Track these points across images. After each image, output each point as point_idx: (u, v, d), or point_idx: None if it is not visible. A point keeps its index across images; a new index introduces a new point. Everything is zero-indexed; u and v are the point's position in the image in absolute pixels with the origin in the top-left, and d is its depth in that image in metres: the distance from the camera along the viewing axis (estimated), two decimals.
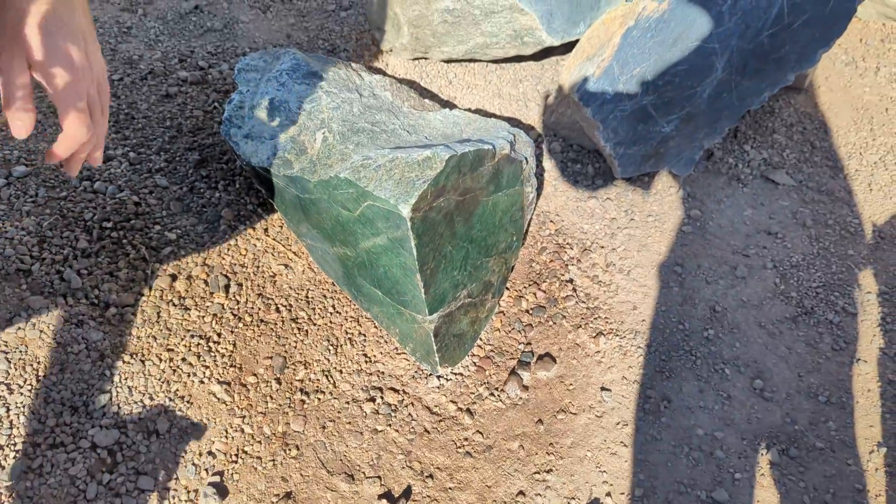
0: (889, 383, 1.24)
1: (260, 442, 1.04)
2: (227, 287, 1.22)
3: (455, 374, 1.19)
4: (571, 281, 1.35)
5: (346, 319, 1.21)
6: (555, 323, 1.28)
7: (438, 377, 1.17)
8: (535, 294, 1.31)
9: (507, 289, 1.31)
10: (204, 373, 1.09)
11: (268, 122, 1.15)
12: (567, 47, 1.65)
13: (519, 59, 1.65)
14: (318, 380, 1.12)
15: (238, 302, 1.20)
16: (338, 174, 0.99)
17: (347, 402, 1.10)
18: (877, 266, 1.46)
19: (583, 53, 1.43)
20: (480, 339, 1.23)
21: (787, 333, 1.35)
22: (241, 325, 1.17)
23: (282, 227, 1.32)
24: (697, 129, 1.47)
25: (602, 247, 1.42)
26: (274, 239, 1.29)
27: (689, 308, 1.37)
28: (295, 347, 1.16)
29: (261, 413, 1.07)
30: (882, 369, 1.27)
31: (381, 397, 1.12)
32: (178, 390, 1.08)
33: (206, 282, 1.22)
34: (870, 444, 1.16)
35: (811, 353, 1.30)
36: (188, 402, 1.08)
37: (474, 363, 1.20)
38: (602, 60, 1.32)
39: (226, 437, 1.03)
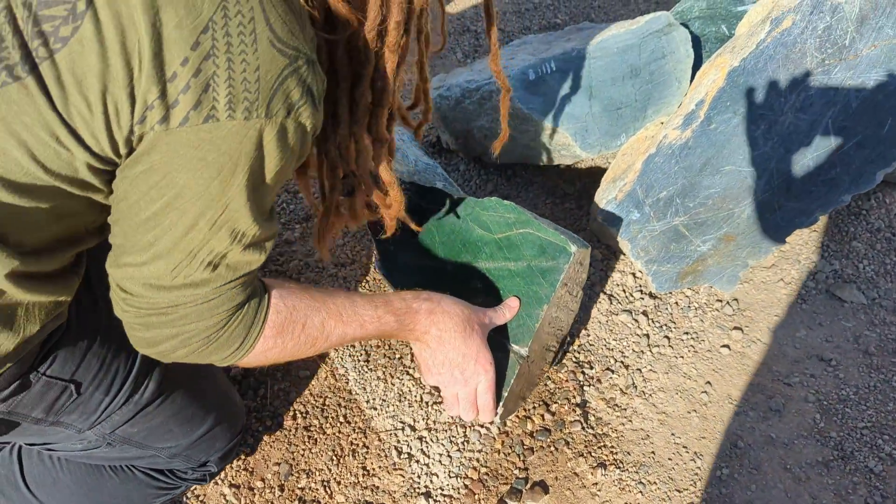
0: None
1: None
2: (256, 389, 1.49)
3: (444, 495, 1.31)
4: (583, 404, 1.46)
5: (354, 430, 1.40)
6: (556, 448, 1.40)
7: (428, 498, 1.35)
8: (542, 416, 1.44)
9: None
10: (222, 474, 1.36)
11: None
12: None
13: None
14: (316, 489, 1.31)
15: (264, 405, 1.47)
16: (496, 199, 1.19)
17: None
18: None
19: (611, 173, 1.53)
20: (476, 461, 1.36)
21: (814, 480, 1.38)
22: (261, 428, 1.43)
23: None
24: (739, 248, 1.53)
25: (627, 366, 1.52)
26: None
27: (706, 443, 1.43)
28: (302, 455, 1.37)
29: None
30: None
31: None
32: (196, 490, 1.36)
33: (238, 381, 1.49)
34: None
35: None
36: (202, 501, 1.34)
37: (465, 485, 1.33)
38: (625, 185, 1.42)
39: None
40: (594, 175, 1.74)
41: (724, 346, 1.50)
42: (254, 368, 1.44)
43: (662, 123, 1.44)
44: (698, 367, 1.47)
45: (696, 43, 1.76)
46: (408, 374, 1.44)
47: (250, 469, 1.32)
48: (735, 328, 1.53)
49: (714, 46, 1.73)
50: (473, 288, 1.16)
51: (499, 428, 1.38)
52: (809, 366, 1.48)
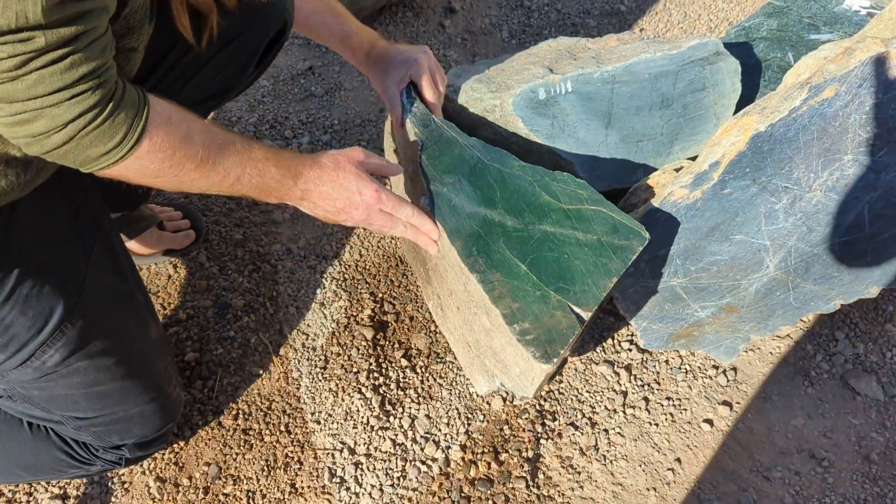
0: None
1: None
2: (206, 379, 1.48)
3: None
4: (535, 459, 1.39)
5: (293, 442, 1.37)
6: (494, 503, 1.37)
7: None
8: (488, 463, 1.38)
9: (464, 448, 1.42)
10: (148, 464, 1.37)
11: None
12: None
13: None
14: (240, 499, 1.29)
15: (210, 398, 1.47)
16: (568, 174, 1.18)
17: None
18: None
19: None
20: (408, 501, 1.28)
21: None
22: (201, 422, 1.41)
23: (280, 330, 1.56)
24: (742, 321, 1.41)
25: (593, 424, 1.44)
26: (271, 340, 1.54)
27: None
28: (234, 459, 1.35)
29: None
30: None
31: None
32: (124, 474, 1.39)
33: (191, 367, 1.50)
34: None
35: None
36: (126, 489, 1.35)
37: None
38: None
39: None
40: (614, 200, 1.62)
41: (706, 420, 1.41)
42: (207, 355, 1.45)
43: (676, 172, 1.31)
44: (672, 440, 1.39)
45: (756, 68, 1.59)
46: (360, 392, 1.41)
47: (181, 464, 1.34)
48: (724, 402, 1.43)
49: (774, 76, 1.56)
50: (533, 245, 1.13)
51: (440, 468, 1.35)
52: (797, 461, 1.37)
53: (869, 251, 1.23)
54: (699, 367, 1.46)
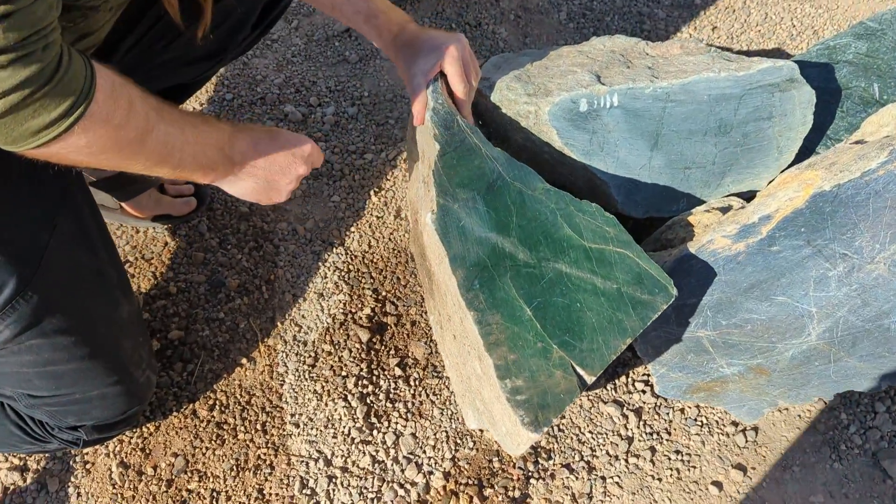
0: None
1: None
2: (187, 363, 1.39)
3: None
4: (522, 499, 1.28)
5: (267, 444, 1.29)
6: None
7: None
8: (471, 498, 1.29)
9: (448, 476, 1.33)
10: (114, 445, 1.32)
11: None
12: None
13: None
14: (203, 497, 1.22)
15: (188, 383, 1.40)
16: (597, 206, 1.06)
17: None
18: None
19: (646, 247, 1.30)
20: None
21: None
22: (174, 408, 1.33)
23: (273, 317, 1.47)
24: (771, 385, 1.27)
25: (591, 469, 1.34)
26: (261, 328, 1.44)
27: None
28: (203, 454, 1.27)
29: None
30: None
31: None
32: (88, 453, 1.33)
33: (173, 346, 1.42)
34: None
35: None
36: (88, 469, 1.30)
37: None
38: None
39: None
40: (648, 229, 1.48)
41: (715, 482, 1.29)
42: (193, 335, 1.37)
43: (723, 212, 1.17)
44: (674, 499, 1.28)
45: (834, 95, 1.42)
46: (346, 399, 1.32)
47: (148, 450, 1.27)
48: (739, 465, 1.31)
49: (854, 108, 1.38)
50: (543, 286, 1.01)
51: (419, 495, 1.26)
52: None
53: None
54: (717, 422, 1.34)
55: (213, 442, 1.28)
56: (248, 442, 1.28)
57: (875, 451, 1.32)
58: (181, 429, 1.29)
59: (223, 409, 1.31)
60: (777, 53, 1.81)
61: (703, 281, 1.12)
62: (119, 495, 1.23)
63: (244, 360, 1.36)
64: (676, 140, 1.23)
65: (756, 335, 1.15)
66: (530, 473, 1.28)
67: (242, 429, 1.30)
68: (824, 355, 1.15)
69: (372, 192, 1.56)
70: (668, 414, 1.34)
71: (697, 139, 1.24)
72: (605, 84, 1.18)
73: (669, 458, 1.30)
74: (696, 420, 1.34)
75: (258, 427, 1.30)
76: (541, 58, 1.31)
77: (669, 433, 1.33)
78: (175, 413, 1.30)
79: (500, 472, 1.28)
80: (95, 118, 0.74)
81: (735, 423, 1.34)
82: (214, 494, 1.24)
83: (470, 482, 1.27)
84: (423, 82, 1.14)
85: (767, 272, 1.07)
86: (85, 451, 1.26)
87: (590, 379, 0.95)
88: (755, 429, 1.34)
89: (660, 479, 1.29)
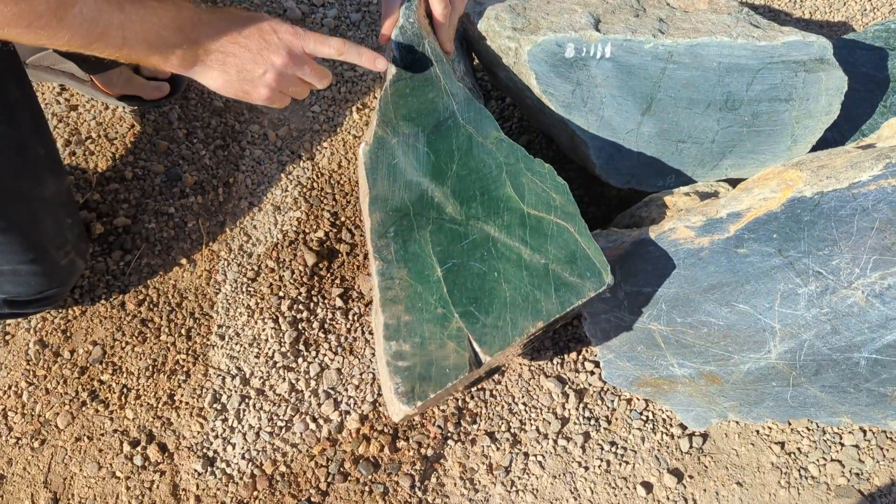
0: None
1: (22, 414, 1.22)
2: (125, 252, 1.32)
3: (224, 473, 1.15)
4: (434, 459, 1.22)
5: (188, 351, 1.24)
6: (370, 491, 1.19)
7: (208, 464, 1.20)
8: (382, 446, 1.19)
9: (363, 420, 1.26)
10: (37, 322, 1.29)
11: None
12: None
13: None
14: (113, 391, 1.20)
15: (123, 273, 1.35)
16: (550, 167, 0.94)
17: (115, 430, 1.18)
18: None
19: (621, 220, 1.17)
20: (282, 455, 1.15)
21: None
22: (103, 295, 1.28)
23: (223, 222, 1.40)
24: (723, 395, 1.15)
25: (515, 443, 1.25)
26: (209, 231, 1.35)
27: None
28: (122, 348, 1.24)
29: (44, 390, 1.22)
30: None
31: (145, 448, 1.20)
32: (10, 325, 1.30)
33: (117, 233, 1.37)
34: None
35: None
36: (6, 341, 1.26)
37: (252, 474, 1.14)
38: (610, 249, 1.07)
39: (2, 393, 1.19)
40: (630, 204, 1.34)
41: (645, 483, 1.20)
42: (138, 226, 1.31)
43: (703, 199, 1.03)
44: (596, 492, 1.19)
45: (881, 85, 1.24)
46: (276, 321, 1.26)
47: (69, 333, 1.25)
48: (675, 471, 1.21)
49: None
50: (464, 247, 0.92)
51: (330, 432, 1.21)
52: None
53: None
54: (664, 420, 1.24)
55: (134, 337, 1.25)
56: (169, 345, 1.25)
57: (835, 487, 1.21)
58: (106, 318, 1.26)
59: (152, 306, 1.27)
60: (841, 28, 1.60)
61: (660, 271, 1.00)
62: (31, 372, 1.21)
63: (184, 261, 1.31)
64: (673, 108, 1.09)
65: (712, 340, 1.03)
66: (449, 434, 1.21)
67: (167, 330, 1.26)
68: (783, 377, 1.03)
69: (355, 109, 1.46)
70: (612, 402, 1.25)
71: (698, 111, 1.09)
72: (600, 31, 1.04)
73: (602, 448, 1.22)
74: (641, 414, 1.24)
75: (183, 332, 1.26)
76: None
77: (609, 422, 1.24)
78: (103, 301, 1.27)
79: (418, 426, 1.22)
80: None
81: (683, 426, 1.24)
82: (125, 390, 1.21)
83: (385, 430, 1.21)
84: None
85: (731, 275, 0.95)
86: (8, 322, 1.24)
87: (485, 358, 0.86)
88: (704, 436, 1.23)
89: (586, 468, 1.20)
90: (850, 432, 1.24)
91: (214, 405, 1.21)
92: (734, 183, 1.10)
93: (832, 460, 1.22)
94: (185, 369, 1.23)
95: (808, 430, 1.24)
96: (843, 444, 1.23)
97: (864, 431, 1.24)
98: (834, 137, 1.20)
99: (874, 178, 0.80)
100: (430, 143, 0.95)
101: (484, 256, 0.89)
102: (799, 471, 1.22)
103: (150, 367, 1.23)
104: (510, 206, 0.91)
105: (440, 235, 0.90)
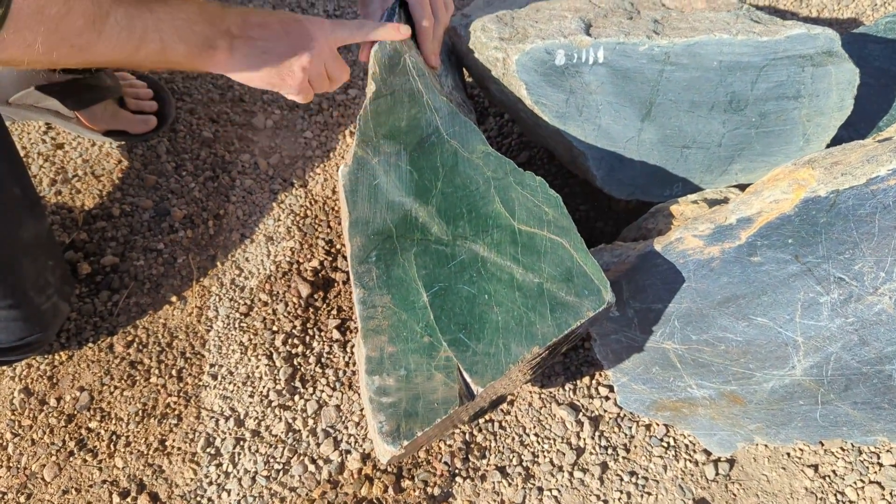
0: None
1: (7, 468, 1.16)
2: (113, 292, 1.29)
3: None
4: (442, 498, 1.15)
5: (179, 393, 1.19)
6: None
7: None
8: (386, 487, 1.14)
9: (365, 459, 1.20)
10: (21, 369, 1.23)
11: None
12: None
13: None
14: (102, 439, 1.14)
15: (111, 314, 1.31)
16: (542, 180, 0.90)
17: (105, 480, 1.12)
18: None
19: (626, 233, 1.10)
20: (279, 500, 1.11)
21: None
22: (91, 338, 1.23)
23: (214, 256, 1.36)
24: (747, 417, 1.08)
25: (528, 477, 1.18)
26: (199, 266, 1.31)
27: None
28: (111, 393, 1.19)
29: (30, 440, 1.19)
30: None
31: (135, 499, 1.12)
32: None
33: (104, 272, 1.33)
34: None
35: None
36: None
37: None
38: (608, 272, 1.01)
39: None
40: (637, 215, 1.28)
41: None
42: (126, 264, 1.27)
43: (712, 206, 0.97)
44: None
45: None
46: (270, 357, 1.21)
47: (55, 380, 1.20)
48: (700, 501, 1.13)
49: None
50: (451, 269, 0.86)
51: (330, 474, 1.15)
52: None
53: None
54: (687, 446, 1.16)
55: (123, 381, 1.20)
56: (159, 387, 1.20)
57: None
58: (93, 362, 1.21)
59: (141, 347, 1.23)
60: (851, 25, 1.54)
61: (669, 285, 0.94)
62: (17, 423, 1.17)
63: (174, 298, 1.27)
64: (674, 112, 1.03)
65: (730, 357, 0.97)
66: (457, 470, 1.15)
67: (157, 372, 1.21)
68: (810, 394, 0.95)
69: (347, 133, 1.43)
70: (630, 428, 1.18)
71: (701, 113, 1.03)
72: (591, 35, 0.99)
73: (622, 479, 1.14)
74: (662, 440, 1.17)
75: (174, 373, 1.21)
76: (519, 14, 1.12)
77: (628, 451, 1.17)
78: (90, 344, 1.22)
79: (423, 463, 1.15)
80: (24, 14, 0.66)
81: (708, 452, 1.16)
82: (114, 437, 1.16)
83: (388, 470, 1.15)
84: (379, 9, 0.99)
85: (746, 286, 0.88)
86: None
87: (477, 389, 0.80)
88: (731, 461, 1.16)
89: (605, 501, 1.13)
90: (887, 451, 1.16)
91: (208, 449, 1.16)
92: (746, 189, 1.04)
93: (871, 482, 1.14)
94: (176, 412, 1.18)
95: (843, 450, 1.16)
96: (881, 465, 1.15)
97: None
98: (850, 135, 1.14)
99: (893, 171, 0.73)
100: (412, 160, 0.90)
101: (473, 278, 0.84)
102: (835, 495, 1.13)
103: (140, 412, 1.18)
104: (500, 223, 0.86)
105: (425, 258, 0.85)
